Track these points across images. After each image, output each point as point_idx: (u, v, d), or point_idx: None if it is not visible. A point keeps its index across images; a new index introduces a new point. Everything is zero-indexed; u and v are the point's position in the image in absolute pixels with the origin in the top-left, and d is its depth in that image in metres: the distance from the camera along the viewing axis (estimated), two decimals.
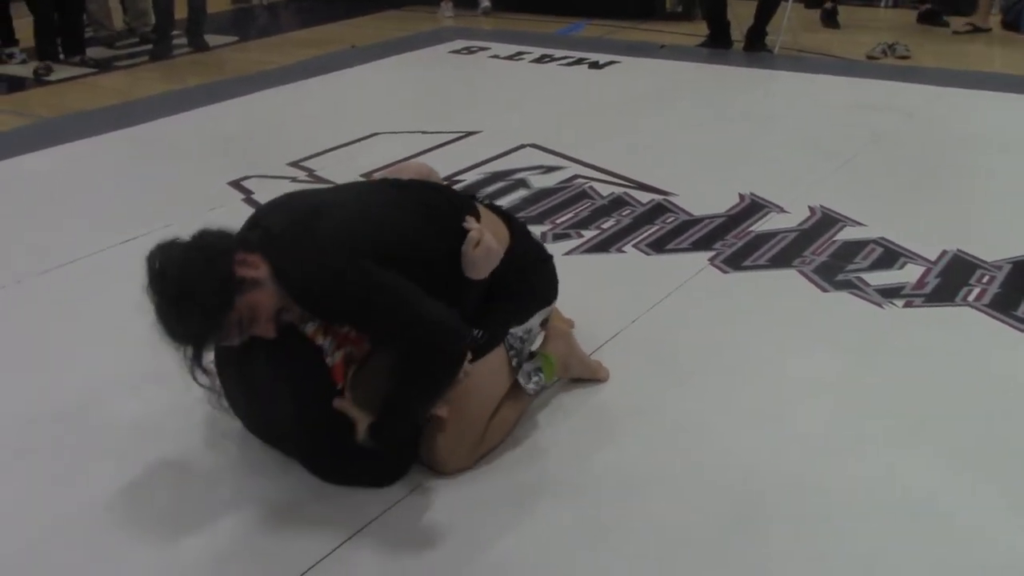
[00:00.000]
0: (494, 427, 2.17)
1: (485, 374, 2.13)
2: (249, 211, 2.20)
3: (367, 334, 2.02)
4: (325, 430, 2.00)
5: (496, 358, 2.16)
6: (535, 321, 2.27)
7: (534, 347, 2.33)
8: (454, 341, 1.96)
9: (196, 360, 1.90)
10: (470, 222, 2.13)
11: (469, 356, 2.04)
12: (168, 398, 2.35)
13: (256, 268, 1.88)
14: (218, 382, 2.02)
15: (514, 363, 2.21)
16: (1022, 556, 1.86)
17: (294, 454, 2.11)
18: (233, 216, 2.18)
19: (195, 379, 1.94)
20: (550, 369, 2.31)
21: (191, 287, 1.81)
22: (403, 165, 2.49)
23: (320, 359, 1.99)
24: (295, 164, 4.08)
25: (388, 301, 1.91)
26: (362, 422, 1.95)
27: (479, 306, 2.17)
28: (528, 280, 2.26)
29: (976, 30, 6.37)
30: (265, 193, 3.71)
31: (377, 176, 2.46)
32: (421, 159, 3.93)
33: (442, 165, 2.47)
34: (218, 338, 1.90)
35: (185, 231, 1.93)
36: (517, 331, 2.21)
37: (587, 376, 2.43)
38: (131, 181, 3.97)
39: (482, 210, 2.25)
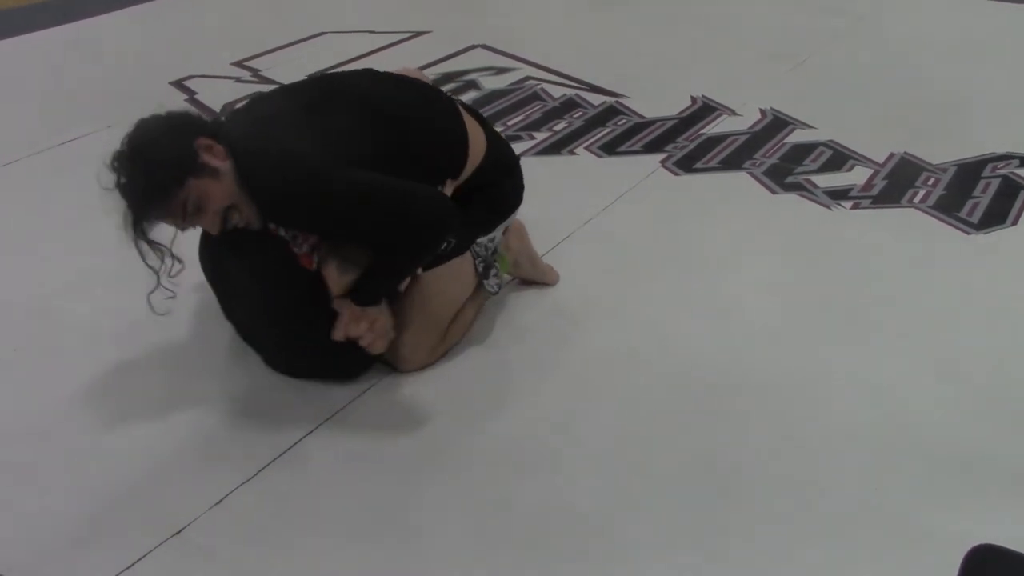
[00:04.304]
0: (455, 327, 2.20)
1: (449, 278, 2.14)
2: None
3: (346, 237, 1.95)
4: (295, 321, 2.00)
5: (462, 264, 2.17)
6: (499, 230, 2.28)
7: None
8: (451, 215, 1.94)
9: (138, 230, 1.83)
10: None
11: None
12: (118, 301, 2.32)
13: (220, 159, 1.85)
14: (165, 263, 1.92)
15: (480, 269, 2.22)
16: (962, 440, 1.94)
17: (262, 351, 2.12)
18: None
19: (140, 255, 1.86)
20: (504, 264, 2.33)
21: (150, 152, 1.79)
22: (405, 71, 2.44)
23: (286, 251, 1.96)
24: (239, 64, 3.98)
25: (381, 193, 1.86)
26: (338, 286, 1.96)
27: None
28: (497, 190, 2.25)
29: None
30: (209, 93, 3.62)
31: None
32: (376, 61, 3.86)
33: (392, 66, 2.42)
34: (161, 213, 1.84)
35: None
36: (483, 239, 2.22)
37: (537, 279, 2.45)
38: (69, 81, 3.84)
39: (464, 113, 2.22)
